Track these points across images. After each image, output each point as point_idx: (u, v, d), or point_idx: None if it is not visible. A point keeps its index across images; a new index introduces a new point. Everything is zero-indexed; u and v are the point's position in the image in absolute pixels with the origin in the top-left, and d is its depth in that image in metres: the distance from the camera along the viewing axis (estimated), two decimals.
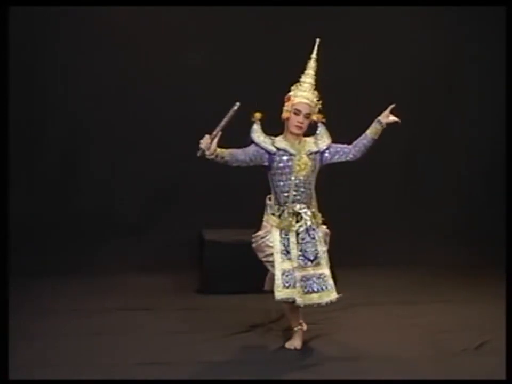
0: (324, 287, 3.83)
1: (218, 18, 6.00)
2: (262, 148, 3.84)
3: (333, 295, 3.84)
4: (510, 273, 4.30)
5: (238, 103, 3.61)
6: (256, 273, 4.24)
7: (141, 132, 6.03)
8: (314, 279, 3.84)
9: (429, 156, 6.52)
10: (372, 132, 3.90)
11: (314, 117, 3.90)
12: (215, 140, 3.63)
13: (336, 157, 3.91)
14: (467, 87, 6.44)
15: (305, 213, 3.84)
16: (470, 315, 4.62)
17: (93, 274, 5.39)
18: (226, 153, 3.75)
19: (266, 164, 3.86)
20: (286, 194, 3.86)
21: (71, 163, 6.05)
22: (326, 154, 3.90)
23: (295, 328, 3.99)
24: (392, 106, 3.89)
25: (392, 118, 3.90)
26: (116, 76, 5.96)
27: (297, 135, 3.86)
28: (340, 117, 6.02)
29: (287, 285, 3.83)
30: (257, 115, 3.86)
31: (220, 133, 3.60)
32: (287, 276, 3.83)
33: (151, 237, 5.93)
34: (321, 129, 3.93)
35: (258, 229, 4.03)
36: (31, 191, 5.93)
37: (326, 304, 3.86)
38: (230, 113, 3.61)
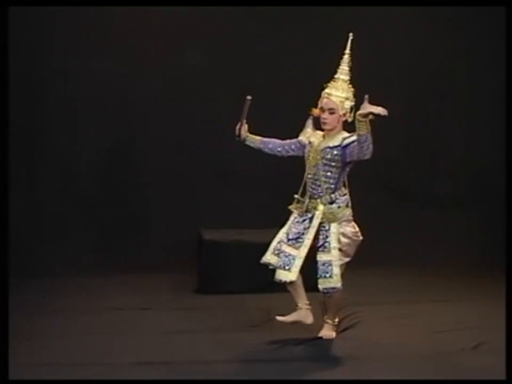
0: (285, 266, 3.95)
1: (217, 18, 5.98)
2: (299, 142, 4.08)
3: (290, 276, 3.93)
4: (510, 273, 4.30)
5: (249, 97, 4.01)
6: (254, 273, 4.25)
7: (138, 132, 6.01)
8: (282, 255, 3.98)
9: (428, 156, 6.52)
10: (356, 128, 3.73)
11: (350, 120, 3.86)
12: (242, 127, 4.12)
13: (354, 153, 3.86)
14: (467, 87, 6.43)
15: (308, 203, 3.97)
16: (469, 315, 4.62)
17: (91, 274, 5.39)
18: (258, 140, 4.18)
19: None
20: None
21: (71, 163, 6.04)
22: (348, 150, 3.88)
23: (299, 305, 4.04)
24: (366, 97, 3.67)
25: (367, 109, 3.61)
26: (116, 75, 5.95)
27: (327, 130, 3.96)
28: None
29: (276, 252, 4.02)
30: (314, 111, 4.02)
31: (244, 121, 4.10)
32: (280, 245, 4.01)
33: (150, 236, 5.93)
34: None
35: (258, 228, 4.10)
36: (31, 191, 5.93)
37: (280, 281, 3.97)
38: (245, 106, 4.06)
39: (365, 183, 6.12)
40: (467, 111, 6.46)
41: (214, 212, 5.81)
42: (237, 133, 4.15)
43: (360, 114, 3.64)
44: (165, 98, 5.97)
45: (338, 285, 3.96)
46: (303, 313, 4.04)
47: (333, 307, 4.11)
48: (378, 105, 3.64)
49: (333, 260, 3.93)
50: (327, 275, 3.93)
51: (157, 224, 5.99)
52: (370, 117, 3.66)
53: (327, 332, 4.12)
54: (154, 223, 6.00)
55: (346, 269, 4.08)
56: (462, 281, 5.44)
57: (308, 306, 4.06)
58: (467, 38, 6.35)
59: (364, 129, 3.67)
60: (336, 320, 4.19)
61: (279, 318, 4.02)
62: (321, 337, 4.10)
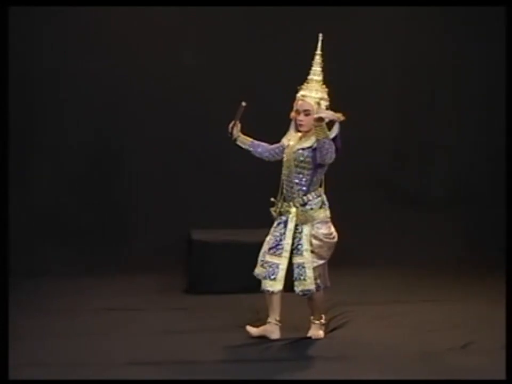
0: (270, 276, 3.98)
1: (214, 18, 6.00)
2: (282, 145, 4.11)
3: (275, 286, 3.96)
4: (510, 274, 4.31)
5: (243, 103, 4.05)
6: (244, 273, 4.27)
7: (132, 133, 6.02)
8: (266, 265, 4.01)
9: (427, 155, 6.53)
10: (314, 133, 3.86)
11: (336, 117, 3.85)
12: (235, 127, 4.15)
13: (318, 155, 3.91)
14: (467, 87, 6.44)
15: (281, 206, 4.00)
16: (463, 315, 4.65)
17: (85, 275, 5.43)
18: (248, 141, 4.21)
19: None
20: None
21: (70, 164, 6.06)
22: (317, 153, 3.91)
23: (269, 319, 4.07)
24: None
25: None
26: (115, 75, 5.96)
27: (304, 132, 3.98)
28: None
29: (261, 263, 4.07)
30: (291, 114, 4.06)
31: (236, 122, 4.14)
32: (264, 256, 4.07)
33: (140, 237, 5.94)
34: (333, 128, 3.91)
35: (249, 228, 4.13)
36: (31, 191, 5.96)
37: (268, 292, 3.99)
38: (239, 110, 4.09)
39: (357, 184, 6.19)
40: (461, 111, 6.46)
41: (204, 213, 5.82)
42: (229, 131, 4.19)
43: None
44: (161, 98, 5.98)
45: (312, 287, 3.97)
46: (270, 328, 4.07)
47: (317, 308, 4.13)
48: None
49: (305, 262, 3.95)
50: (301, 277, 3.96)
51: (148, 224, 6.00)
52: (342, 118, 3.78)
53: (315, 332, 4.14)
54: (146, 223, 6.00)
55: (329, 269, 4.10)
56: (455, 281, 5.47)
57: (277, 323, 4.08)
58: (466, 38, 6.36)
59: (320, 134, 3.76)
60: (323, 320, 4.20)
61: (248, 328, 4.07)
62: (310, 337, 4.14)
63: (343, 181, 6.20)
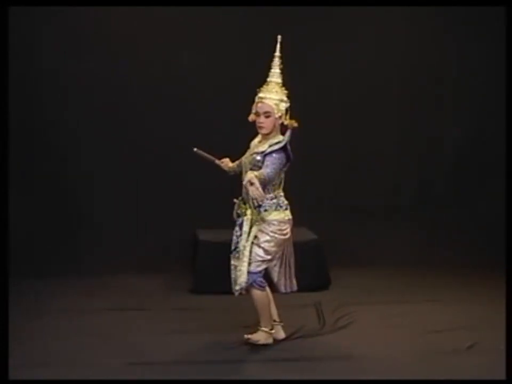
0: (233, 277, 3.98)
1: (214, 18, 6.00)
2: None
3: (235, 289, 3.94)
4: (510, 274, 4.31)
5: (195, 149, 4.07)
6: None
7: (134, 133, 6.03)
8: (232, 268, 4.00)
9: (427, 155, 6.54)
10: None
11: (286, 122, 3.86)
12: (222, 166, 4.17)
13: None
14: (467, 87, 6.44)
15: (238, 208, 3.98)
16: (463, 315, 4.66)
17: (86, 275, 5.43)
18: (236, 166, 4.15)
19: None
20: None
21: (70, 164, 6.07)
22: (266, 159, 3.84)
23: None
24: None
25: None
26: (115, 75, 5.97)
27: (263, 135, 3.92)
28: (338, 117, 6.12)
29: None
30: (250, 116, 3.95)
31: (215, 163, 4.16)
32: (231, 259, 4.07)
33: (145, 236, 5.95)
34: (286, 134, 3.89)
35: None
36: (31, 192, 5.97)
37: (234, 293, 3.97)
38: (202, 155, 4.10)
39: (358, 183, 6.19)
40: (461, 111, 6.45)
41: (209, 212, 5.82)
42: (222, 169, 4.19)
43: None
44: (161, 98, 5.98)
45: (243, 279, 3.90)
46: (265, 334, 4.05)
47: (257, 310, 4.01)
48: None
49: (244, 256, 3.90)
50: (240, 272, 3.92)
51: (152, 224, 6.00)
52: (294, 124, 3.82)
53: (255, 336, 4.03)
54: (150, 223, 6.00)
55: (331, 269, 4.07)
56: (455, 281, 5.47)
57: (277, 323, 4.09)
58: (466, 38, 6.37)
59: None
60: (267, 328, 4.03)
61: (247, 336, 4.03)
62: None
63: (343, 179, 6.22)
